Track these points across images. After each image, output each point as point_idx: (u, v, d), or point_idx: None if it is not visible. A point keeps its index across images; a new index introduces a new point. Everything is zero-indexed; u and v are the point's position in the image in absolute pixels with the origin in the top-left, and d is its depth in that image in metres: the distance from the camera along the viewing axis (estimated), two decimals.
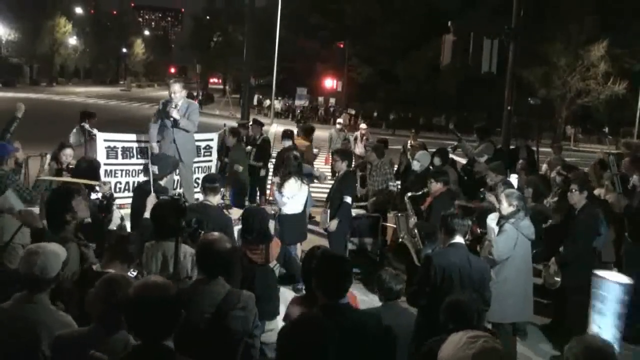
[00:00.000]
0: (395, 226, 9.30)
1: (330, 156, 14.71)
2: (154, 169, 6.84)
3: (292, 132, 11.71)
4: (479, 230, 7.37)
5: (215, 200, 6.06)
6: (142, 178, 8.57)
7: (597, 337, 3.02)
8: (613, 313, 5.02)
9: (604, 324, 5.05)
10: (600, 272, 5.23)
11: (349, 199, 8.24)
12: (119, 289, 3.14)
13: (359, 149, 15.54)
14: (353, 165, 10.13)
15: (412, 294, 4.97)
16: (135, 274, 4.25)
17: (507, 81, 13.64)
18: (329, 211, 8.24)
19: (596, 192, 8.53)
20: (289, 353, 2.67)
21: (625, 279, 5.09)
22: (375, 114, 49.44)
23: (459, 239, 5.03)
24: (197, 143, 9.46)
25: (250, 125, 13.24)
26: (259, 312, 5.06)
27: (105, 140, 8.87)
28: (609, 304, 4.98)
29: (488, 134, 11.58)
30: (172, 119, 8.43)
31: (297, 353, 2.63)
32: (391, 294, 4.71)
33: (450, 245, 5.03)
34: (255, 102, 52.93)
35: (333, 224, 8.11)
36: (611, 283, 4.97)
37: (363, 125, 17.29)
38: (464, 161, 11.36)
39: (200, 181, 9.08)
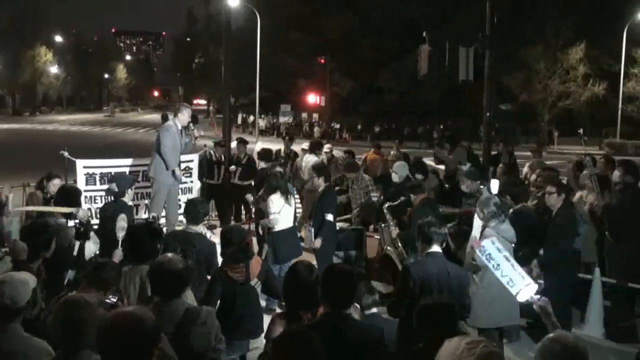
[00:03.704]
0: (378, 238, 9.31)
1: None
2: (113, 186, 6.91)
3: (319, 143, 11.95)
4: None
5: (199, 228, 6.00)
6: None
7: (571, 335, 3.02)
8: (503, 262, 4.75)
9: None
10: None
11: (330, 217, 8.20)
12: (77, 310, 3.10)
13: None
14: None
15: (392, 305, 4.99)
16: (115, 300, 4.21)
17: (485, 88, 13.76)
18: (312, 229, 8.19)
19: (578, 194, 8.60)
20: None
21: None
22: (359, 126, 49.62)
23: (436, 247, 5.05)
24: None
25: (236, 144, 13.21)
26: (243, 331, 5.11)
27: (84, 167, 9.00)
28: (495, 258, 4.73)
29: (457, 140, 12.18)
30: (184, 143, 8.82)
31: None
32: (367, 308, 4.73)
33: (428, 254, 5.05)
34: (239, 120, 53.00)
35: (317, 242, 8.08)
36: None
37: (327, 146, 16.02)
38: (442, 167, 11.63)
39: (181, 203, 9.15)
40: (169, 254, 4.15)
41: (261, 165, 10.78)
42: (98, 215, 8.71)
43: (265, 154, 11.06)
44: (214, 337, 3.83)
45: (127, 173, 9.02)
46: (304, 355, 2.77)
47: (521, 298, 4.52)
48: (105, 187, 9.00)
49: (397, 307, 4.91)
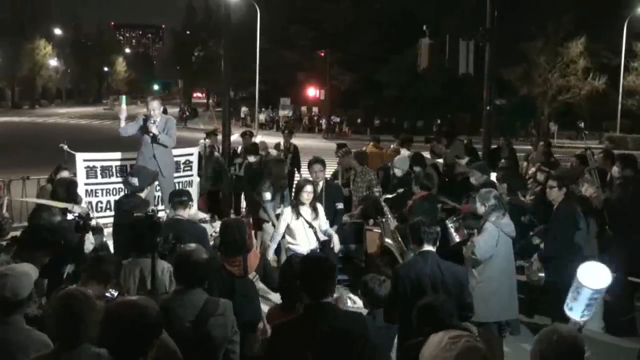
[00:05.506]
0: (378, 232, 9.28)
1: None
2: (134, 180, 6.85)
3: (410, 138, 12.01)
4: (465, 232, 7.36)
5: (186, 213, 6.06)
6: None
7: (566, 327, 3.01)
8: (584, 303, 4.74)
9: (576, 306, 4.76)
10: (585, 272, 4.83)
11: (341, 205, 8.31)
12: (75, 303, 3.08)
13: None
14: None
15: (385, 311, 4.87)
16: (116, 294, 4.20)
17: (485, 82, 13.76)
18: (327, 221, 8.17)
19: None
20: None
21: (601, 283, 4.73)
22: (359, 120, 49.55)
23: (427, 246, 4.94)
24: (177, 158, 9.50)
25: (242, 137, 13.11)
26: (241, 324, 5.09)
27: (84, 160, 8.93)
28: (581, 299, 4.74)
29: (454, 134, 12.30)
30: (151, 134, 8.48)
31: None
32: (379, 301, 4.66)
33: (420, 254, 4.95)
34: (242, 115, 52.90)
35: (334, 230, 8.10)
36: (585, 289, 4.70)
37: (261, 140, 15.08)
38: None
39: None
40: (193, 244, 4.23)
41: (251, 159, 10.75)
42: (99, 209, 8.78)
43: (251, 148, 11.05)
44: (230, 328, 3.96)
45: (128, 166, 9.01)
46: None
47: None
48: (106, 180, 9.03)
49: (391, 313, 4.79)
